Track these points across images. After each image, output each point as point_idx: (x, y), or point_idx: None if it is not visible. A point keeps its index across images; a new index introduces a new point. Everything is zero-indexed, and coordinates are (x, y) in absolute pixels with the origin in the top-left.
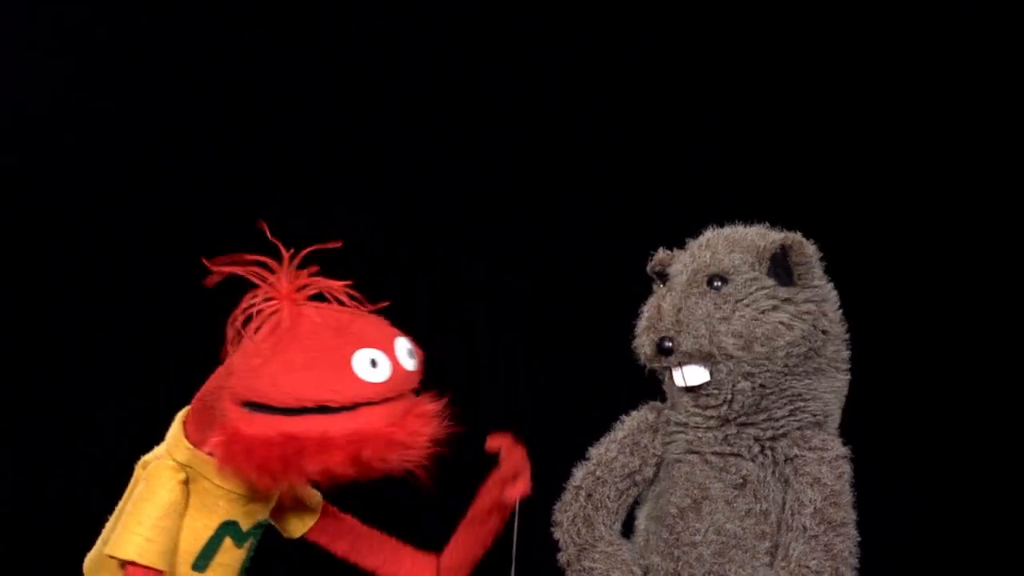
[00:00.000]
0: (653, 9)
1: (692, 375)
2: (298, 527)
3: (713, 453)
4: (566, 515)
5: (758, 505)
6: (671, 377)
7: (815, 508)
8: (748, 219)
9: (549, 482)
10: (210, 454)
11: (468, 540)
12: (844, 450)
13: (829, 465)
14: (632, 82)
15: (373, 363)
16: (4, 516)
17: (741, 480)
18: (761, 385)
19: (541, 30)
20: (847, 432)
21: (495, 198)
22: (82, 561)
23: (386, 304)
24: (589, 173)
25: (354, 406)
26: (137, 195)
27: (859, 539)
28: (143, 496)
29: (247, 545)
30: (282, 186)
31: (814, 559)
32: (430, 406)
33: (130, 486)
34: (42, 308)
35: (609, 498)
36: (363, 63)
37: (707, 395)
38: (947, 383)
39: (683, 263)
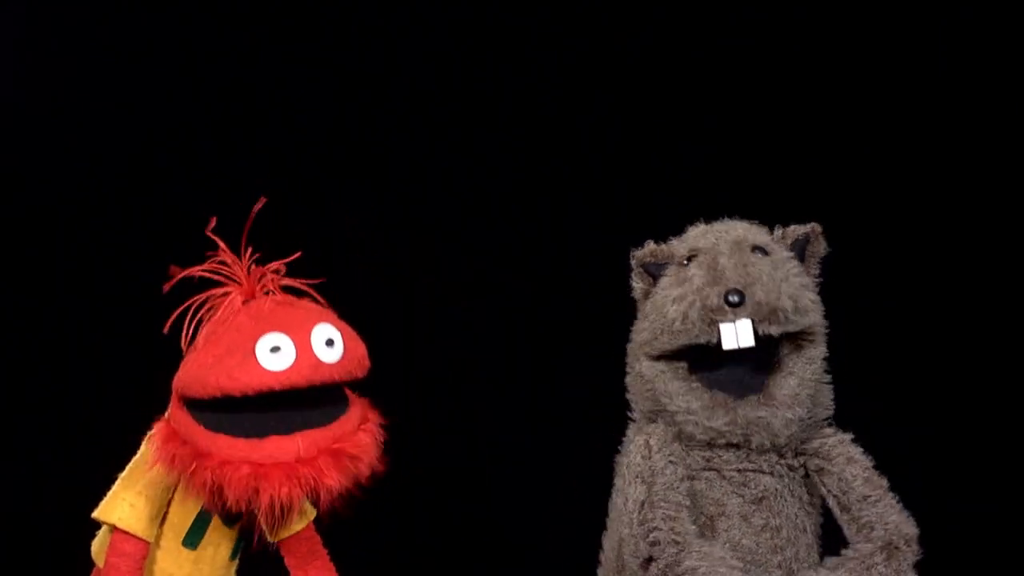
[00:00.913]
0: (653, 9)
1: (744, 333)
2: (275, 534)
3: (734, 470)
4: (655, 522)
5: (774, 520)
6: (720, 337)
7: (864, 478)
8: (745, 218)
9: (543, 486)
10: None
11: None
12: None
13: (852, 445)
14: (632, 82)
15: (275, 349)
16: (4, 516)
17: (760, 495)
18: (803, 419)
19: (541, 30)
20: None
21: (495, 198)
22: (81, 562)
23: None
24: (589, 173)
25: (256, 396)
26: (137, 195)
27: None
28: (136, 464)
29: (237, 526)
30: (282, 186)
31: (893, 514)
32: (345, 453)
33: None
34: (42, 308)
35: (683, 496)
36: (363, 63)
37: (758, 443)
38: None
39: (710, 241)
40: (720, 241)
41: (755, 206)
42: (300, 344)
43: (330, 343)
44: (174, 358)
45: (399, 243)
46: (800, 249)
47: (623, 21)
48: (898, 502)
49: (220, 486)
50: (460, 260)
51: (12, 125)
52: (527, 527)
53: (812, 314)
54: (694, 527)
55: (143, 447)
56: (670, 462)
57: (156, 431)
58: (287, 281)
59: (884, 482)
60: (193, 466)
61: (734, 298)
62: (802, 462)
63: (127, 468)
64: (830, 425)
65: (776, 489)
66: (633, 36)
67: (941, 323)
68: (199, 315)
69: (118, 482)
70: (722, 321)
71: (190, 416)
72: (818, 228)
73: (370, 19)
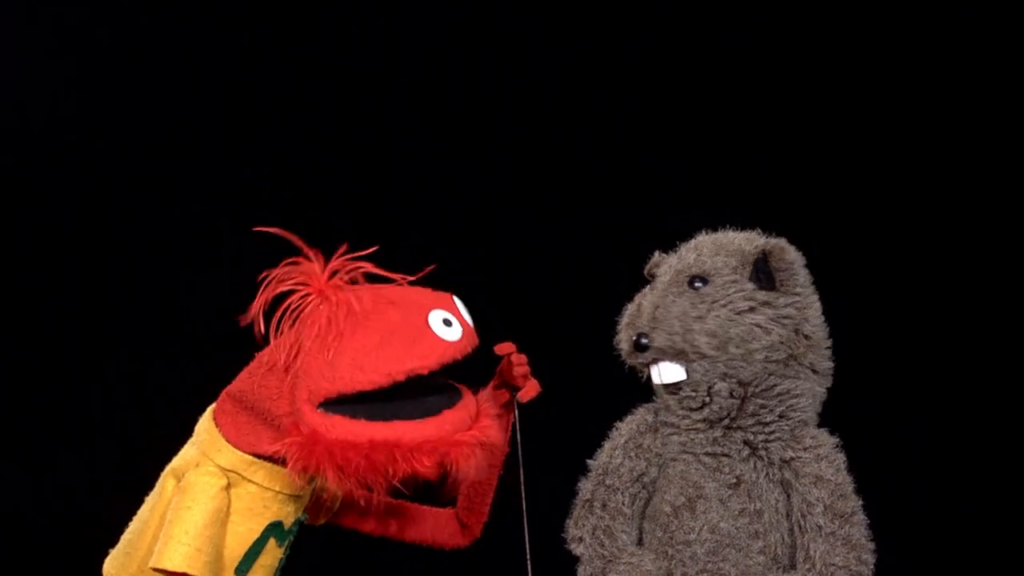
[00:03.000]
0: (653, 9)
1: (668, 372)
2: (327, 513)
3: (706, 454)
4: (585, 529)
5: (752, 505)
6: (650, 375)
7: (824, 506)
8: (745, 220)
9: (546, 485)
10: (274, 455)
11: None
12: (834, 440)
13: (826, 460)
14: (632, 82)
15: (447, 322)
16: (4, 516)
17: (735, 480)
18: (740, 384)
19: (541, 30)
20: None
21: (495, 198)
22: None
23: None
24: (589, 173)
25: (440, 368)
26: (137, 195)
27: (868, 522)
28: (185, 504)
29: (287, 543)
30: (281, 186)
31: (838, 555)
32: (493, 407)
33: (155, 494)
34: (42, 308)
35: (625, 504)
36: (363, 63)
37: (687, 396)
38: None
39: (669, 264)
40: (671, 269)
41: (755, 207)
42: (458, 315)
43: (466, 310)
44: (180, 355)
45: (399, 243)
46: (762, 267)
47: (623, 21)
48: (863, 531)
49: (413, 467)
50: (460, 260)
51: (12, 125)
52: (537, 528)
53: (757, 341)
54: (626, 535)
55: (164, 483)
56: (629, 458)
57: (304, 450)
58: (370, 268)
59: (850, 507)
60: (377, 460)
61: (642, 342)
62: (775, 471)
63: (173, 511)
64: (813, 426)
65: (752, 477)
66: (633, 36)
67: (940, 324)
68: (284, 320)
69: (169, 526)
70: (641, 364)
71: (347, 421)
72: (772, 243)
73: (370, 19)
